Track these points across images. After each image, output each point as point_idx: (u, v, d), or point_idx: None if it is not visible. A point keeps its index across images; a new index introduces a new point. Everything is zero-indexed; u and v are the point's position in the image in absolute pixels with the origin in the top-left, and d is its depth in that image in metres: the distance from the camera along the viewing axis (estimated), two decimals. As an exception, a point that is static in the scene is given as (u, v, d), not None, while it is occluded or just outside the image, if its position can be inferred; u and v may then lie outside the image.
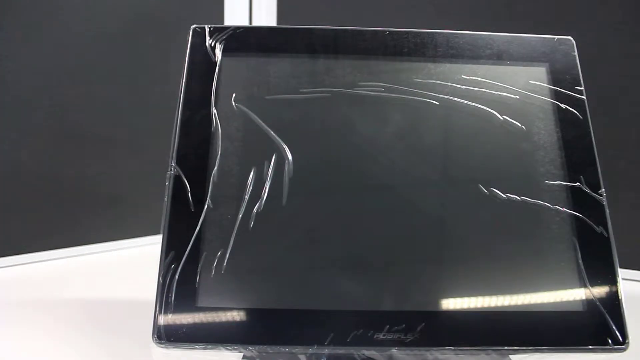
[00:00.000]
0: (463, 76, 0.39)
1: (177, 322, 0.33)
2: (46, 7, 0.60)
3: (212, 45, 0.39)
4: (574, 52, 0.40)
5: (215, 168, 0.37)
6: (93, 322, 0.47)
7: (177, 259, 0.34)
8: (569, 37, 0.41)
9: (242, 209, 0.36)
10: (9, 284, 0.57)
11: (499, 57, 0.40)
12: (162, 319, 0.33)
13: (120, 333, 0.45)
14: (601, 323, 0.34)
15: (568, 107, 0.39)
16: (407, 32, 0.40)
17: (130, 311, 0.49)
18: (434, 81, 0.39)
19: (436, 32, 0.40)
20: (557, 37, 0.41)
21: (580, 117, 0.38)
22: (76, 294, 0.54)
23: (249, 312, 0.34)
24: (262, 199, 0.36)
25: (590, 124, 0.38)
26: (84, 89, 0.64)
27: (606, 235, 0.36)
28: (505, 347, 0.33)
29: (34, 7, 0.60)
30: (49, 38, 0.61)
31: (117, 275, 0.60)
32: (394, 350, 0.33)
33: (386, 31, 0.40)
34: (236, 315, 0.34)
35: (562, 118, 0.38)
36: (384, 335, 0.33)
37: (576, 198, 0.37)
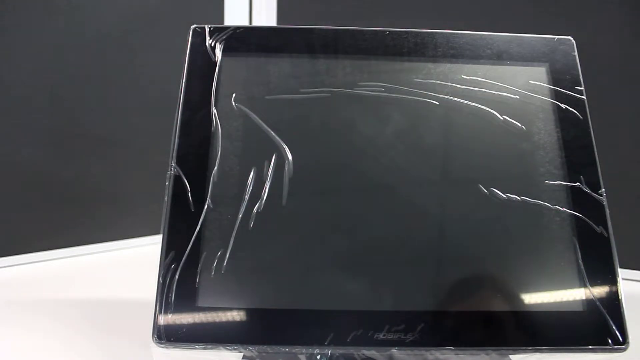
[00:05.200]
0: (463, 76, 0.39)
1: (177, 322, 0.33)
2: (46, 7, 0.60)
3: (212, 45, 0.39)
4: (574, 52, 0.40)
5: (215, 168, 0.37)
6: (93, 322, 0.47)
7: (177, 259, 0.34)
8: (569, 37, 0.41)
9: (242, 209, 0.36)
10: (9, 284, 0.57)
11: (499, 57, 0.40)
12: (162, 319, 0.33)
13: (120, 333, 0.45)
14: (601, 323, 0.34)
15: (568, 107, 0.39)
16: (407, 32, 0.40)
17: (130, 311, 0.49)
18: (434, 81, 0.39)
19: (436, 32, 0.40)
20: (557, 37, 0.41)
21: (580, 117, 0.38)
22: (76, 294, 0.54)
23: (249, 312, 0.34)
24: (262, 199, 0.36)
25: (590, 124, 0.38)
26: (84, 89, 0.64)
27: (606, 235, 0.36)
28: (505, 347, 0.33)
29: (34, 7, 0.60)
30: (49, 38, 0.61)
31: (117, 275, 0.60)
32: (394, 350, 0.33)
33: (386, 31, 0.40)
34: (236, 315, 0.34)
35: (562, 118, 0.38)
36: (384, 335, 0.33)
37: (576, 198, 0.37)
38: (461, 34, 0.40)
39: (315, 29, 0.41)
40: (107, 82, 0.65)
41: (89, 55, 0.64)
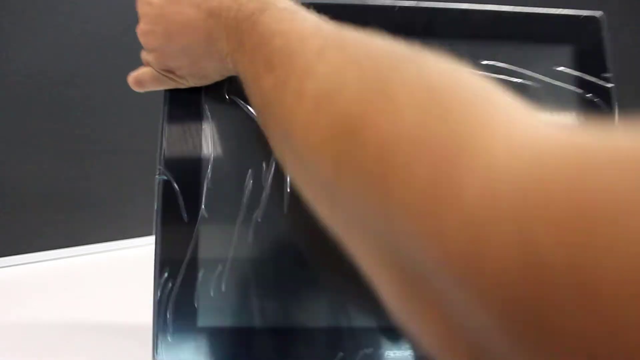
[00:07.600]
0: (481, 62, 0.35)
1: (178, 343, 0.31)
2: (46, 7, 0.60)
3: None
4: (603, 31, 0.35)
5: (209, 170, 0.33)
6: (93, 322, 0.47)
7: (172, 276, 0.32)
8: (599, 13, 0.36)
9: (240, 218, 0.33)
10: (9, 284, 0.57)
11: (519, 37, 0.36)
12: (162, 341, 0.31)
13: (120, 333, 0.45)
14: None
15: (593, 96, 0.35)
16: (418, 8, 0.36)
17: (130, 311, 0.48)
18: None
19: (449, 9, 0.36)
20: (583, 13, 0.36)
21: (606, 107, 0.34)
22: (76, 294, 0.54)
23: (253, 331, 0.32)
24: (262, 206, 0.33)
25: (617, 115, 0.34)
26: (85, 89, 0.64)
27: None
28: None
29: (34, 7, 0.59)
30: (49, 38, 0.61)
31: (117, 276, 0.60)
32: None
33: (395, 7, 0.36)
34: (239, 335, 0.31)
35: (586, 108, 0.35)
36: (394, 354, 0.31)
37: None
38: (476, 10, 0.36)
39: (315, 4, 0.37)
40: (107, 82, 0.65)
41: (89, 55, 0.64)
